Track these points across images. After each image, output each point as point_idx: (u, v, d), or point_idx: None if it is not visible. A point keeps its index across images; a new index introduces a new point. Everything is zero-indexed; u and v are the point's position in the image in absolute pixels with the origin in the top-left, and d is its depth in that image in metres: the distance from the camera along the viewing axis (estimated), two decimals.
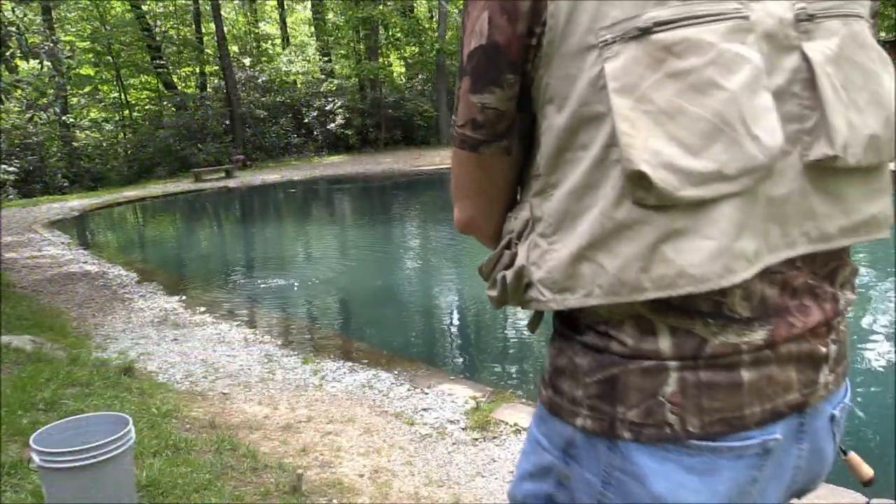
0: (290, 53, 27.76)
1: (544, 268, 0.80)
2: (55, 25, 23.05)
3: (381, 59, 27.40)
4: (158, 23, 26.21)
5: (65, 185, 20.73)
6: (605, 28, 0.72)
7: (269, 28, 31.39)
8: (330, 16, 28.55)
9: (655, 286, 0.72)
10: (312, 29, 29.86)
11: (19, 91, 16.22)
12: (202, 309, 6.25)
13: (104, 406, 3.40)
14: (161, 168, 21.95)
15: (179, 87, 26.73)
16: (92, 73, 25.36)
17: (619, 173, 0.72)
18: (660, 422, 0.75)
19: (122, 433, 2.16)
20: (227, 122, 24.06)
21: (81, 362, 4.28)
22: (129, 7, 24.67)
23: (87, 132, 24.95)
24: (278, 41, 29.87)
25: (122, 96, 25.60)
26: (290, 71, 26.66)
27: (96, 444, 2.10)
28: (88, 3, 24.48)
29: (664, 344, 0.75)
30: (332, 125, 25.10)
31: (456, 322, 6.23)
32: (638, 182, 0.70)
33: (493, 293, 0.89)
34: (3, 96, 9.84)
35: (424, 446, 3.22)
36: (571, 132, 0.76)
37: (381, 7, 24.55)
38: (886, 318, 5.21)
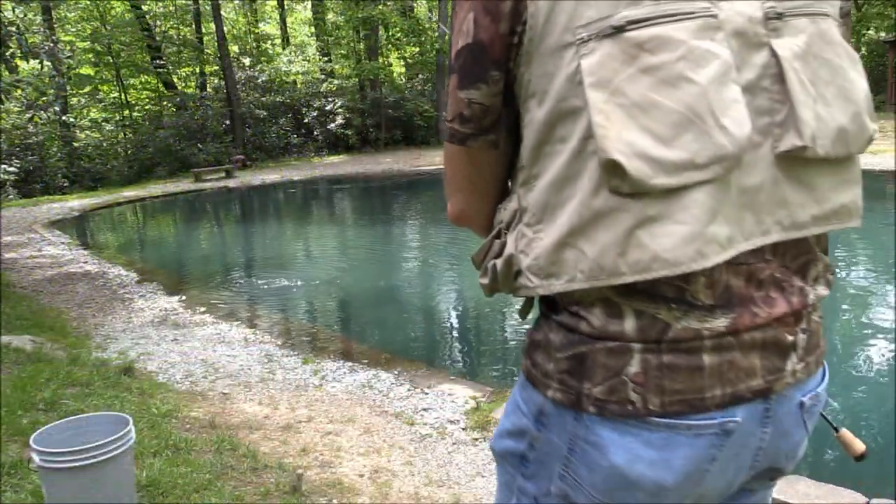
0: (290, 53, 27.74)
1: (531, 255, 0.84)
2: (55, 25, 23.03)
3: (381, 59, 27.39)
4: (158, 23, 26.18)
5: (65, 185, 20.72)
6: (581, 27, 0.76)
7: (269, 28, 31.39)
8: (330, 16, 28.54)
9: (632, 270, 0.76)
10: (312, 29, 29.85)
11: (19, 91, 16.21)
12: (202, 309, 6.25)
13: (104, 406, 3.40)
14: (161, 168, 21.93)
15: (179, 87, 26.71)
16: (92, 73, 25.33)
17: (596, 164, 0.76)
18: (622, 399, 0.80)
19: (122, 433, 2.16)
20: (227, 122, 24.05)
21: (81, 362, 4.28)
22: (129, 7, 24.64)
23: (87, 132, 24.93)
24: (278, 41, 29.86)
25: (122, 96, 25.58)
26: (290, 71, 26.64)
27: (96, 444, 2.10)
28: (88, 3, 24.46)
29: (629, 326, 0.79)
30: (332, 125, 25.09)
31: (456, 322, 6.22)
32: (613, 171, 0.74)
33: (485, 281, 0.93)
34: (3, 96, 9.84)
35: (424, 446, 3.22)
36: (551, 126, 0.80)
37: (381, 7, 24.54)
38: (886, 318, 5.21)
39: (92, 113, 25.86)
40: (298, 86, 27.12)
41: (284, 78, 26.61)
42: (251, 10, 30.75)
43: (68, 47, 23.31)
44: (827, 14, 0.84)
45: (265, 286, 7.48)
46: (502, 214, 0.91)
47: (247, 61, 28.22)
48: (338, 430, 3.41)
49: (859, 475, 3.06)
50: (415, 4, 28.79)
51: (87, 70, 25.11)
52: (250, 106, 24.80)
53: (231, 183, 18.55)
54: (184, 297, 6.75)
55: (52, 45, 15.88)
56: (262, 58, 28.00)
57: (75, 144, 23.11)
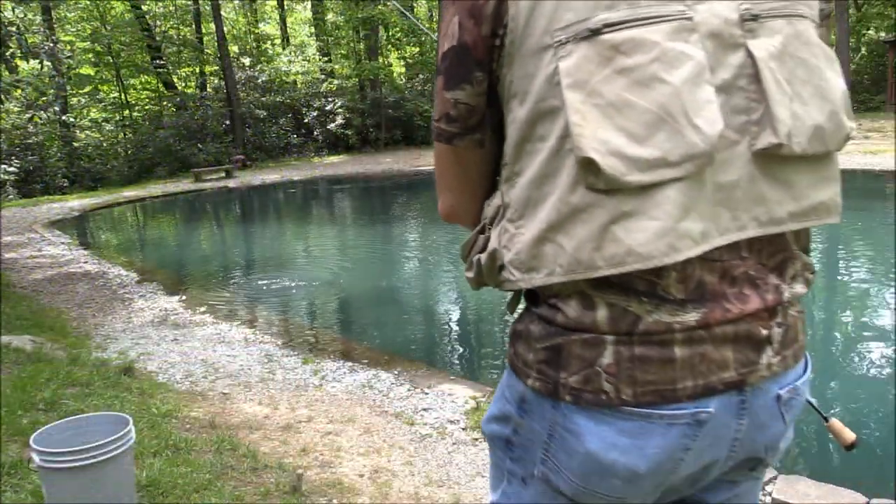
0: (290, 53, 27.74)
1: (513, 250, 0.87)
2: (55, 25, 23.03)
3: (381, 59, 27.39)
4: (158, 23, 26.18)
5: (65, 185, 20.72)
6: (559, 29, 0.79)
7: (269, 28, 31.38)
8: (330, 16, 28.53)
9: (607, 264, 0.78)
10: (312, 29, 29.84)
11: (19, 91, 16.21)
12: (202, 309, 6.25)
13: (104, 406, 3.40)
14: (161, 168, 21.93)
15: (179, 87, 26.71)
16: (92, 73, 25.34)
17: (573, 162, 0.78)
18: (596, 389, 0.82)
19: (122, 433, 2.16)
20: (227, 122, 24.04)
21: (81, 362, 4.28)
22: (129, 7, 24.64)
23: (87, 132, 24.93)
24: (278, 41, 29.85)
25: (122, 96, 25.58)
26: (290, 71, 26.64)
27: (96, 444, 2.10)
28: (88, 3, 24.46)
29: (601, 318, 0.82)
30: (332, 125, 25.08)
31: (456, 322, 6.22)
32: (588, 168, 0.77)
33: (471, 275, 0.97)
34: (3, 96, 9.84)
35: (424, 446, 3.22)
36: (531, 124, 0.83)
37: (380, 7, 24.54)
38: (886, 318, 5.21)
39: (92, 113, 25.85)
40: (298, 86, 27.12)
41: (284, 78, 26.61)
42: (251, 10, 30.74)
43: (68, 47, 23.31)
44: (803, 15, 0.86)
45: (265, 286, 7.48)
46: (487, 210, 0.94)
47: (247, 61, 28.21)
48: (338, 430, 3.41)
49: (859, 475, 3.06)
50: (415, 4, 28.77)
51: (87, 70, 25.11)
52: (250, 106, 24.80)
53: (231, 183, 18.55)
54: (184, 297, 6.75)
55: (52, 45, 15.88)
56: (262, 58, 28.00)
57: (75, 144, 23.11)
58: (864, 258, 7.35)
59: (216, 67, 26.10)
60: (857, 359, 4.51)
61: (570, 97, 0.77)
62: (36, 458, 2.08)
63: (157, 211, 15.97)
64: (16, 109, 20.29)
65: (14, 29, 8.81)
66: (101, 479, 2.11)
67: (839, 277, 6.70)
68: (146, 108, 26.31)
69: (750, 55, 0.81)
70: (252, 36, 30.06)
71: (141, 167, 22.34)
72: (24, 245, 10.18)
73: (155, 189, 18.18)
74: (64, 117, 22.28)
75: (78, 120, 24.46)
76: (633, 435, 0.83)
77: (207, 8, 24.97)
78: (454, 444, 3.23)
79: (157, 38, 25.25)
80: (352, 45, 27.94)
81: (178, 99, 24.83)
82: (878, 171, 11.98)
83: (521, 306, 0.97)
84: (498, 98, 0.89)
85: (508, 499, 0.99)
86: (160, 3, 26.04)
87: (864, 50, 26.96)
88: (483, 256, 0.92)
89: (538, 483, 0.93)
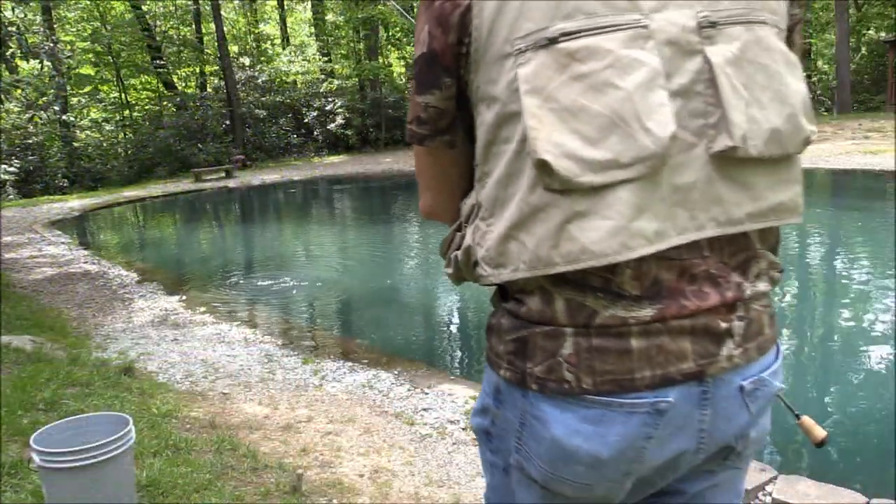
0: (290, 53, 27.74)
1: (484, 247, 0.91)
2: (55, 25, 23.04)
3: (381, 59, 27.38)
4: (158, 23, 26.18)
5: (65, 185, 20.72)
6: (519, 38, 0.83)
7: (269, 28, 31.38)
8: (330, 16, 28.52)
9: (564, 260, 0.82)
10: (312, 29, 29.84)
11: (19, 91, 16.22)
12: (202, 309, 6.25)
13: (104, 406, 3.40)
14: (161, 168, 21.93)
15: (179, 87, 26.71)
16: (92, 73, 25.34)
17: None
18: (559, 378, 0.87)
19: (122, 433, 2.16)
20: (227, 122, 24.04)
21: (81, 362, 4.28)
22: (129, 7, 24.65)
23: (87, 132, 24.93)
24: (278, 41, 29.85)
25: (123, 96, 25.58)
26: (290, 71, 26.64)
27: (96, 444, 2.09)
28: (88, 3, 24.46)
29: (559, 312, 0.86)
30: (332, 125, 25.08)
31: (456, 322, 6.22)
32: (543, 169, 0.80)
33: (449, 271, 1.02)
34: (3, 96, 9.84)
35: (424, 446, 3.22)
36: (497, 127, 0.87)
37: (380, 7, 24.55)
38: (886, 318, 5.21)
39: (92, 113, 25.86)
40: (298, 86, 27.11)
41: (284, 78, 26.60)
42: (251, 10, 30.73)
43: (68, 47, 23.32)
44: (765, 21, 0.88)
45: (265, 286, 7.48)
46: (463, 209, 0.99)
47: (247, 61, 28.21)
48: (338, 430, 3.41)
49: (859, 475, 3.06)
50: (414, 4, 28.74)
51: (87, 70, 25.12)
52: (250, 106, 24.80)
53: (231, 183, 18.55)
54: (184, 297, 6.75)
55: (52, 45, 15.89)
56: (262, 58, 28.00)
57: (75, 144, 23.11)
58: (864, 258, 7.35)
59: (216, 67, 26.10)
60: (857, 359, 4.51)
61: (528, 102, 0.81)
62: (36, 458, 2.08)
63: (157, 211, 15.97)
64: (16, 109, 20.30)
65: (14, 29, 8.82)
66: (101, 479, 2.11)
67: (839, 277, 6.70)
68: (146, 108, 26.31)
69: (707, 61, 0.83)
70: (252, 36, 30.05)
71: (141, 167, 22.34)
72: (24, 245, 10.18)
73: (155, 189, 18.18)
74: (64, 117, 22.29)
75: (78, 120, 24.47)
76: (596, 422, 0.86)
77: (207, 8, 24.97)
78: (454, 444, 3.23)
79: (157, 38, 25.26)
80: (352, 45, 27.93)
81: (178, 99, 24.83)
82: (878, 171, 11.98)
83: None
84: (467, 102, 0.93)
85: (494, 491, 1.04)
86: (160, 3, 26.04)
87: (864, 50, 26.96)
88: (459, 253, 0.97)
89: (515, 472, 0.97)
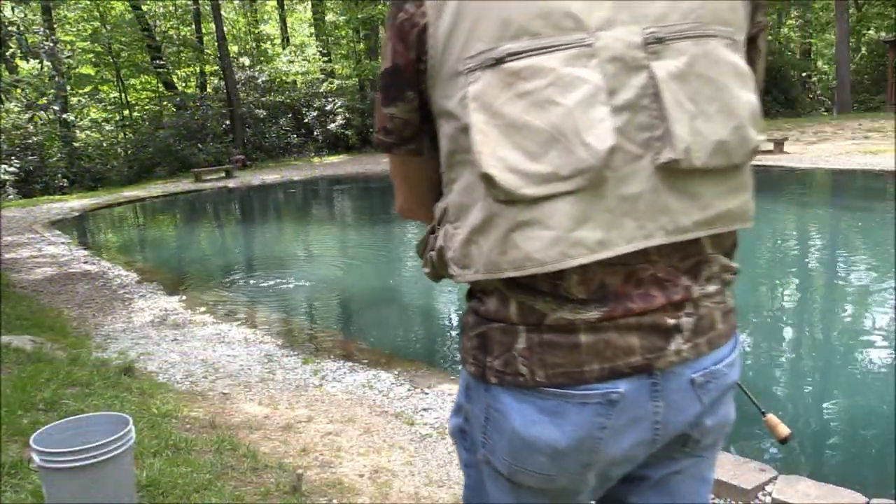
0: (290, 53, 27.73)
1: (452, 249, 0.96)
2: (55, 25, 23.02)
3: (380, 59, 27.34)
4: (158, 23, 26.18)
5: (65, 185, 20.71)
6: (469, 58, 0.87)
7: (269, 28, 31.38)
8: (330, 16, 28.52)
9: (511, 267, 0.87)
10: (312, 29, 29.83)
11: (19, 91, 16.21)
12: (202, 309, 6.25)
13: (104, 406, 3.40)
14: (161, 168, 21.92)
15: (179, 87, 26.70)
16: (92, 73, 25.34)
17: None
18: (515, 371, 0.92)
19: (122, 433, 2.16)
20: (227, 122, 24.03)
21: (81, 362, 4.28)
22: (129, 7, 24.64)
23: (87, 132, 24.93)
24: (278, 41, 29.84)
25: (123, 96, 25.58)
26: (290, 71, 26.63)
27: (96, 444, 2.09)
28: (88, 3, 24.46)
29: (512, 312, 0.91)
30: (332, 125, 25.08)
31: (456, 322, 6.22)
32: (488, 182, 0.85)
33: (427, 270, 1.08)
34: (3, 96, 9.84)
35: (424, 446, 3.22)
36: (456, 139, 0.92)
37: (381, 7, 24.54)
38: (886, 318, 5.21)
39: (92, 113, 25.86)
40: (298, 86, 27.10)
41: (284, 78, 26.59)
42: (251, 10, 30.73)
43: (68, 47, 23.31)
44: (714, 35, 0.90)
45: (265, 286, 7.48)
46: (437, 212, 1.04)
47: (247, 61, 28.21)
48: (338, 430, 3.41)
49: (859, 475, 3.06)
50: None
51: (87, 70, 25.12)
52: (250, 106, 24.79)
53: (231, 183, 18.55)
54: (184, 297, 6.74)
55: (52, 45, 15.87)
56: (262, 58, 27.99)
57: (75, 144, 23.10)
58: (864, 258, 7.35)
59: (216, 67, 26.09)
60: (857, 358, 4.51)
61: (475, 118, 0.86)
62: (36, 458, 2.08)
63: (157, 211, 15.96)
64: (16, 109, 20.29)
65: (14, 29, 8.81)
66: (101, 479, 2.11)
67: (839, 277, 6.70)
68: (146, 108, 26.30)
69: (652, 76, 0.86)
70: (252, 36, 30.05)
71: (141, 167, 22.33)
72: (24, 245, 10.18)
73: (155, 189, 18.18)
74: (64, 117, 22.28)
75: (78, 120, 24.46)
76: (552, 413, 0.91)
77: (207, 8, 24.96)
78: (454, 443, 3.23)
79: (157, 38, 25.25)
80: (352, 45, 27.93)
81: (178, 99, 24.81)
82: (878, 171, 11.98)
83: None
84: (430, 113, 0.98)
85: (472, 491, 1.10)
86: (160, 3, 26.04)
87: (864, 50, 26.97)
88: (433, 254, 1.03)
89: (483, 467, 1.02)
